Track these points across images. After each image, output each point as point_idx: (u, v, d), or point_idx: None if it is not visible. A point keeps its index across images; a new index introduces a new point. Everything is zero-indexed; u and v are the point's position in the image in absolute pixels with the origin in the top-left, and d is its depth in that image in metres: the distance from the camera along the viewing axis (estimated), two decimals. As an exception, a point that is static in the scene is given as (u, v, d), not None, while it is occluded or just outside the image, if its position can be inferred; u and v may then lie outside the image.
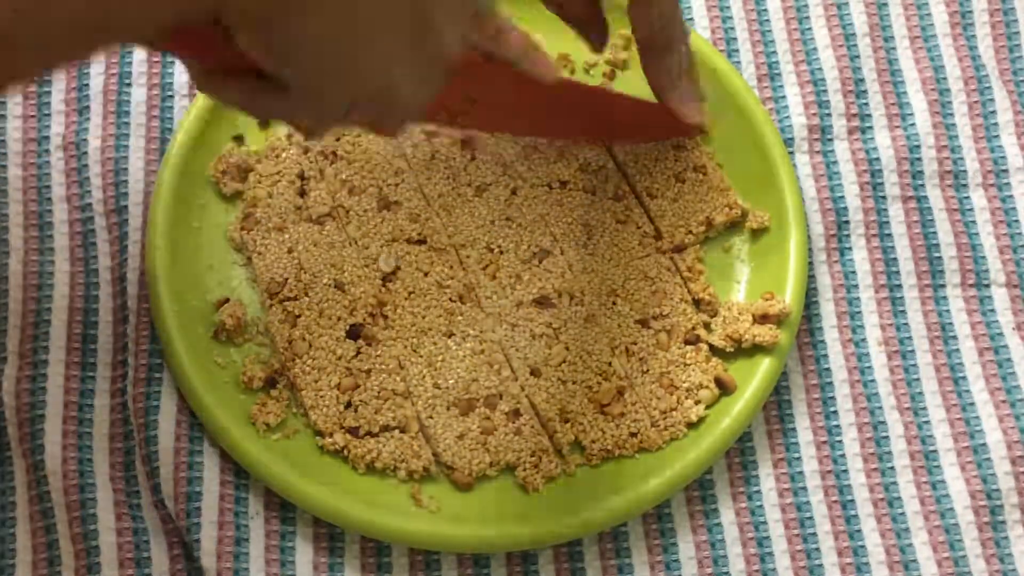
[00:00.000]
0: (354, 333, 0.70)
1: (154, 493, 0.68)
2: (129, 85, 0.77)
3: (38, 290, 0.72)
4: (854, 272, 0.74)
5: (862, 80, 0.78)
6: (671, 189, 0.74)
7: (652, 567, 0.68)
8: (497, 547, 0.66)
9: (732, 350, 0.70)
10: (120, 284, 0.72)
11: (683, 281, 0.72)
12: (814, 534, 0.68)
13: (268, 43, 0.48)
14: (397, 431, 0.68)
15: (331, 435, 0.68)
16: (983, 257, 0.74)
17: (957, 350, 0.72)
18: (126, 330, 0.71)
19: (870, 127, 0.77)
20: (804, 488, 0.69)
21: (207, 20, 0.47)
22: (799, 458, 0.70)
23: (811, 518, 0.68)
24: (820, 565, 0.67)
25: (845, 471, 0.69)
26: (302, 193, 0.74)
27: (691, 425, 0.69)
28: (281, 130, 0.75)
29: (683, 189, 0.74)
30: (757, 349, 0.69)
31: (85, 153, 0.75)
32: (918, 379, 0.71)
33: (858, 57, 0.78)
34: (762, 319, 0.69)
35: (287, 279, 0.71)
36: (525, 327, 0.70)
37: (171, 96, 0.77)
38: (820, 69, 0.78)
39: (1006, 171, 0.76)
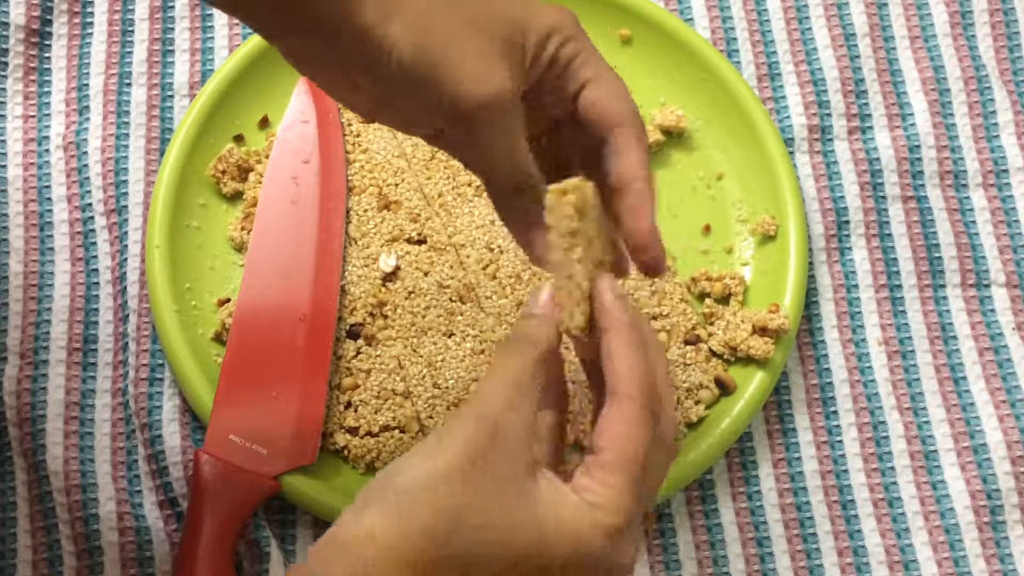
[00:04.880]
0: (354, 333, 0.70)
1: (164, 492, 0.68)
2: (129, 85, 0.77)
3: (38, 290, 0.72)
4: (854, 272, 0.73)
5: (862, 80, 0.78)
6: None
7: (652, 567, 0.68)
8: (497, 547, 0.66)
9: (731, 359, 0.70)
10: (120, 284, 0.72)
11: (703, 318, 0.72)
12: (814, 534, 0.68)
13: None
14: (397, 431, 0.68)
15: (331, 435, 0.68)
16: (983, 257, 0.74)
17: (957, 350, 0.72)
18: (126, 330, 0.71)
19: (870, 127, 0.77)
20: (804, 488, 0.69)
21: None
22: (799, 458, 0.70)
23: (811, 518, 0.68)
24: (820, 565, 0.67)
25: (845, 471, 0.69)
26: (302, 193, 0.74)
27: (691, 425, 0.69)
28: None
29: None
30: (752, 360, 0.69)
31: (85, 153, 0.75)
32: (918, 379, 0.71)
33: (858, 57, 0.78)
34: (761, 331, 0.69)
35: (287, 279, 0.71)
36: (525, 327, 0.70)
37: (171, 96, 0.77)
38: (820, 69, 0.78)
39: (1006, 171, 0.76)
